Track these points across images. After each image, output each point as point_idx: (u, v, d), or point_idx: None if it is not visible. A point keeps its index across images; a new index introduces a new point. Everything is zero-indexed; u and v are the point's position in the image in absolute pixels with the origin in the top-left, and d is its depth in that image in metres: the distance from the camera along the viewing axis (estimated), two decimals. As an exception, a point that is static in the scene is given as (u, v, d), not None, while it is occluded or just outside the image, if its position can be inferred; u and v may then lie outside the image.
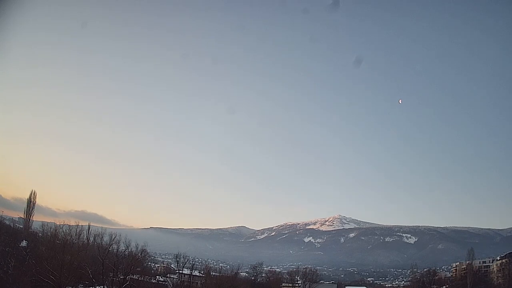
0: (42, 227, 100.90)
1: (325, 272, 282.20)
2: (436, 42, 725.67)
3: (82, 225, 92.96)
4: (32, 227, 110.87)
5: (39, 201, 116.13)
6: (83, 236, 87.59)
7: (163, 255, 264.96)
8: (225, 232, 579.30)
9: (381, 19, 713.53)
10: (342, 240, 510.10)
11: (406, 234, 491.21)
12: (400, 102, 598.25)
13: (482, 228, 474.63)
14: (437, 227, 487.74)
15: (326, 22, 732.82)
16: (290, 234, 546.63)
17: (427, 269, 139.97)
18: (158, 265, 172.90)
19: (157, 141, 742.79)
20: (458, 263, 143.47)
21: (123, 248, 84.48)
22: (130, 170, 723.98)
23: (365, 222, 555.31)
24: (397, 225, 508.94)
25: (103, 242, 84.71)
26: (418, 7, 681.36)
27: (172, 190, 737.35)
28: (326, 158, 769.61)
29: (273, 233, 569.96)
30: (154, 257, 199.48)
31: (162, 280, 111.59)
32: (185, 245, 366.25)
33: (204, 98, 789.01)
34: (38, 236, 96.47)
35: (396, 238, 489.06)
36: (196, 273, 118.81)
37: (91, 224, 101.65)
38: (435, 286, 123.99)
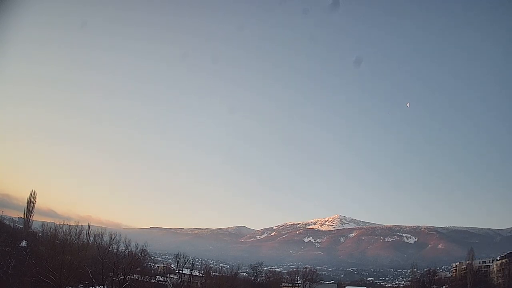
0: (42, 227, 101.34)
1: (325, 272, 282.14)
2: (436, 43, 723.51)
3: (82, 225, 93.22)
4: (32, 227, 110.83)
5: (39, 201, 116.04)
6: (83, 236, 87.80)
7: (163, 255, 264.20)
8: (225, 232, 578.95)
9: (381, 19, 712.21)
10: (342, 240, 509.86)
11: (406, 234, 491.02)
12: (408, 106, 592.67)
13: (482, 228, 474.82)
14: (437, 227, 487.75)
15: (326, 22, 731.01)
16: (290, 234, 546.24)
17: (427, 269, 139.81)
18: (158, 265, 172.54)
19: (157, 140, 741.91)
20: (458, 263, 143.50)
21: (123, 248, 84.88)
22: (130, 170, 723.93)
23: (365, 222, 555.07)
24: (397, 225, 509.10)
25: (103, 242, 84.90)
26: (419, 7, 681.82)
27: (172, 190, 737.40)
28: (326, 158, 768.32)
29: (273, 233, 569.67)
30: (154, 257, 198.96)
31: (162, 280, 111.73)
32: (185, 245, 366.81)
33: (204, 97, 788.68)
34: (38, 236, 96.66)
35: (396, 238, 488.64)
36: (196, 273, 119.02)
37: (91, 224, 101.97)
38: (435, 286, 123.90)
